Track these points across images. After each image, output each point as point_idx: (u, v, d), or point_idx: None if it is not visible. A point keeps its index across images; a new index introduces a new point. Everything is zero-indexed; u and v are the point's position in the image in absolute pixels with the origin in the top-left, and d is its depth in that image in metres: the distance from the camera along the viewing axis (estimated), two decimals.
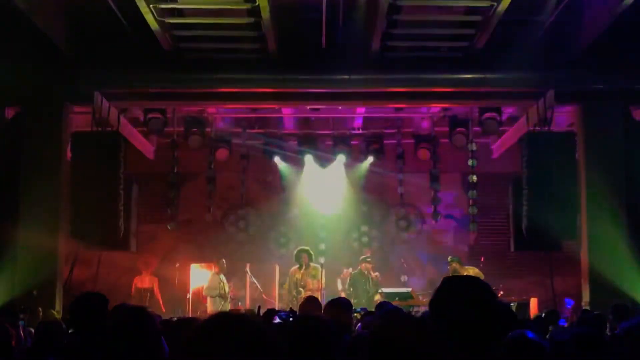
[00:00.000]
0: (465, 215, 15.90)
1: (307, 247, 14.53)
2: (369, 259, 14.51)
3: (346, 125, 16.03)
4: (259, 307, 8.54)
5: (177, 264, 15.85)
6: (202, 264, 15.84)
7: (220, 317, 1.95)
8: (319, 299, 12.33)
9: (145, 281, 15.37)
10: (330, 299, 9.98)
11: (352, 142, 16.09)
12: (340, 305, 6.10)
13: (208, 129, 15.04)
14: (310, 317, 4.12)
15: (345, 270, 15.00)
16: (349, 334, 5.81)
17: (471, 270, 13.59)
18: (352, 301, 13.65)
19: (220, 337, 1.87)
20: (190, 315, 13.81)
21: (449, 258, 14.18)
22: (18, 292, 12.18)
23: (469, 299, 2.66)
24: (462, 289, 2.73)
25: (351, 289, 14.11)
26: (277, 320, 6.91)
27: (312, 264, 14.16)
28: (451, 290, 2.75)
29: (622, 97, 12.91)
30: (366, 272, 14.26)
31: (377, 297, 13.26)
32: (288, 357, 1.94)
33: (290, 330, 3.91)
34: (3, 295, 12.11)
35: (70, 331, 5.68)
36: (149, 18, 10.78)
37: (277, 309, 13.47)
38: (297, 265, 14.13)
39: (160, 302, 15.24)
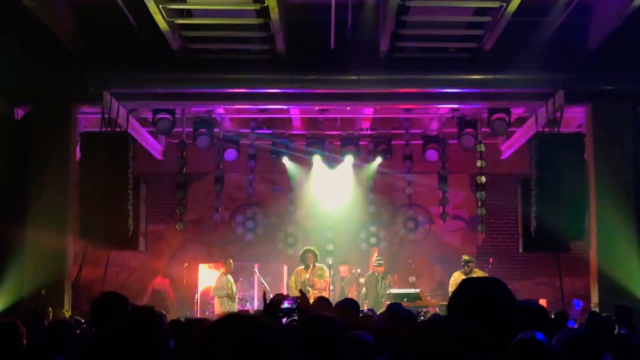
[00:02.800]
0: (474, 216, 15.89)
1: (312, 247, 14.54)
2: (381, 262, 14.46)
3: (354, 126, 16.02)
4: (265, 293, 8.52)
5: (186, 264, 15.89)
6: (211, 264, 15.87)
7: (228, 319, 1.96)
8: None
9: (160, 283, 15.41)
10: (337, 299, 9.96)
11: (361, 143, 16.07)
12: (349, 306, 6.10)
13: (216, 130, 15.06)
14: (320, 317, 4.13)
15: (353, 270, 15.01)
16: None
17: (480, 274, 13.52)
18: (365, 302, 13.73)
19: (227, 340, 1.87)
20: (198, 316, 13.84)
21: (468, 257, 13.98)
22: (27, 292, 12.24)
23: (490, 300, 2.65)
24: (483, 290, 2.72)
25: (365, 291, 14.19)
26: (285, 305, 6.89)
27: (317, 264, 14.17)
28: (472, 291, 2.73)
29: (631, 98, 12.89)
30: (377, 275, 14.27)
31: (384, 300, 13.25)
32: (295, 357, 1.94)
33: (301, 329, 3.91)
34: (12, 295, 12.16)
35: (93, 330, 5.71)
36: (158, 19, 10.79)
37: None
38: (303, 266, 14.15)
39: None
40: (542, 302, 14.03)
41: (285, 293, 15.17)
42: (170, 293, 15.39)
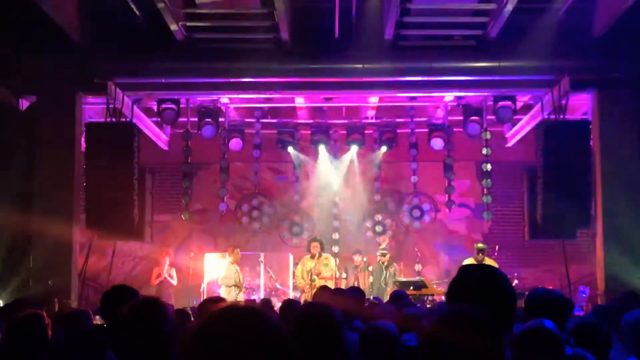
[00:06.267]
0: (480, 204, 15.85)
1: (318, 237, 14.54)
2: (384, 252, 14.42)
3: (359, 115, 16.00)
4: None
5: (192, 254, 15.90)
6: (217, 254, 15.90)
7: (227, 309, 1.93)
8: (333, 287, 12.36)
9: (166, 272, 15.40)
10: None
11: (366, 132, 16.05)
12: (355, 294, 6.11)
13: (221, 119, 15.05)
14: (317, 305, 4.13)
15: (358, 258, 14.99)
16: (362, 322, 5.82)
17: (491, 262, 13.47)
18: (369, 291, 13.74)
19: (226, 330, 1.85)
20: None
21: (481, 245, 13.89)
22: (33, 283, 12.27)
23: (490, 286, 2.64)
24: (482, 277, 2.71)
25: (372, 280, 14.20)
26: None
27: (323, 254, 14.17)
28: (471, 278, 2.73)
29: (637, 84, 12.81)
30: (381, 264, 14.25)
31: (390, 290, 13.25)
32: (297, 349, 1.91)
33: (298, 318, 3.90)
34: (20, 286, 12.19)
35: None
36: (162, 8, 10.77)
37: (291, 297, 13.56)
38: (309, 255, 14.16)
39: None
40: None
41: (290, 281, 15.28)
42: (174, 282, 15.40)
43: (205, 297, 14.85)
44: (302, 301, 11.32)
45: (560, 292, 4.80)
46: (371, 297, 10.77)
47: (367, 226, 17.06)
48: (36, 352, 4.81)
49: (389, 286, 13.67)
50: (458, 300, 2.66)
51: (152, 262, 15.85)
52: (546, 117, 12.86)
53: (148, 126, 14.53)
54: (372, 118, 15.90)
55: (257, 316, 1.88)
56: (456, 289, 2.70)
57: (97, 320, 9.34)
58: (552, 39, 11.96)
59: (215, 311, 1.93)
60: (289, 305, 6.31)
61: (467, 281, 2.70)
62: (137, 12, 11.53)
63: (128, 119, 12.95)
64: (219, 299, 5.62)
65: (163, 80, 12.93)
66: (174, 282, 15.16)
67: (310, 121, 16.04)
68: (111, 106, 12.53)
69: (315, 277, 13.66)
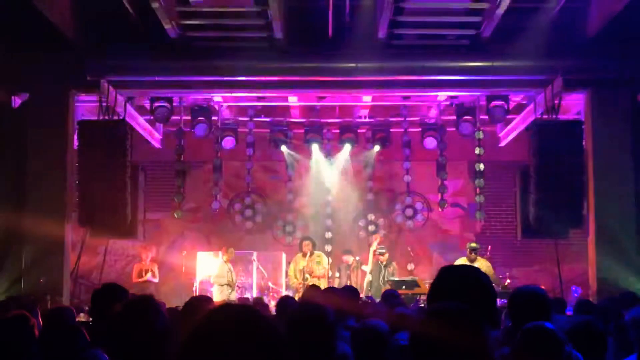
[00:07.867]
0: (472, 203, 15.88)
1: (310, 236, 14.54)
2: (382, 251, 14.39)
3: (353, 114, 15.99)
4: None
5: (184, 252, 15.87)
6: (209, 252, 15.88)
7: (223, 308, 1.92)
8: (325, 286, 12.36)
9: (146, 268, 15.35)
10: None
11: (359, 131, 16.04)
12: (348, 293, 6.10)
13: (214, 118, 15.03)
14: (309, 304, 4.12)
15: (349, 258, 14.96)
16: (355, 321, 5.82)
17: (482, 261, 13.46)
18: (369, 290, 13.74)
19: (222, 329, 1.84)
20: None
21: (474, 245, 13.92)
22: (26, 281, 12.24)
23: (471, 286, 2.64)
24: (463, 278, 2.71)
25: (370, 279, 14.18)
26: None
27: (316, 252, 14.17)
28: (445, 281, 2.72)
29: (630, 85, 12.84)
30: (380, 264, 14.22)
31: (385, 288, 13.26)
32: (292, 349, 1.90)
33: (290, 317, 3.90)
34: (11, 284, 12.15)
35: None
36: (156, 6, 10.75)
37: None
38: (301, 254, 14.16)
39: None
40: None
41: (283, 280, 15.27)
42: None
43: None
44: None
45: (545, 291, 4.79)
46: (363, 297, 10.79)
47: (360, 225, 17.06)
48: (24, 354, 4.77)
49: (386, 285, 13.67)
50: (440, 301, 2.65)
51: (139, 260, 15.82)
52: (539, 117, 12.88)
53: (141, 124, 14.50)
54: (365, 117, 15.89)
55: (252, 316, 1.87)
56: (436, 291, 2.70)
57: (82, 317, 9.34)
58: (546, 38, 11.98)
59: (210, 311, 1.92)
60: (286, 303, 6.31)
61: (446, 283, 2.70)
62: (131, 10, 11.50)
63: (121, 117, 12.92)
64: (207, 299, 5.60)
65: (156, 79, 12.90)
66: (156, 279, 15.05)
67: (304, 120, 16.02)
68: (104, 104, 12.51)
69: (307, 275, 13.66)
